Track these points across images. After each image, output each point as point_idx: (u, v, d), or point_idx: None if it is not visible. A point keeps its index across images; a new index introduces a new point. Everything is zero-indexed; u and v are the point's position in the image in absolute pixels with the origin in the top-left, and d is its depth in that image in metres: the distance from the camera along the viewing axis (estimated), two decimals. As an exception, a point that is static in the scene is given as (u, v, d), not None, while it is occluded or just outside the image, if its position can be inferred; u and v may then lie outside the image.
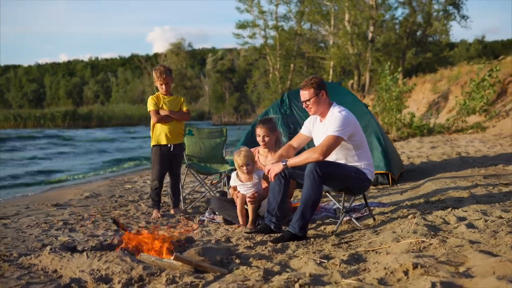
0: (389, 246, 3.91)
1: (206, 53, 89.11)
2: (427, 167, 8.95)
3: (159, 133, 6.15)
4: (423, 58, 41.01)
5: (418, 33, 41.85)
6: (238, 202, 5.37)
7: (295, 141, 5.15)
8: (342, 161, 4.80)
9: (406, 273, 3.04)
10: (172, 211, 6.29)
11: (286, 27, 52.21)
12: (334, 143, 4.61)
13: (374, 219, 5.06)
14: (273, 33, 52.54)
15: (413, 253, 3.49)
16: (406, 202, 5.73)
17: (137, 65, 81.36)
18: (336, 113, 4.73)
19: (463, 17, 39.79)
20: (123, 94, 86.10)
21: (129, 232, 4.20)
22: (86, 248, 4.26)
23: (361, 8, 40.15)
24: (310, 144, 5.38)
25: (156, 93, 6.30)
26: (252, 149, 5.78)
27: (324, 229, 5.04)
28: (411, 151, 12.45)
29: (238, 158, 5.31)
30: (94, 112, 50.25)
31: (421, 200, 5.66)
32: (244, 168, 5.31)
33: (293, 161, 4.70)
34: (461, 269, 3.00)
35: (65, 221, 5.75)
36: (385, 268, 3.14)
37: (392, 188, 7.30)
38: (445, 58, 44.03)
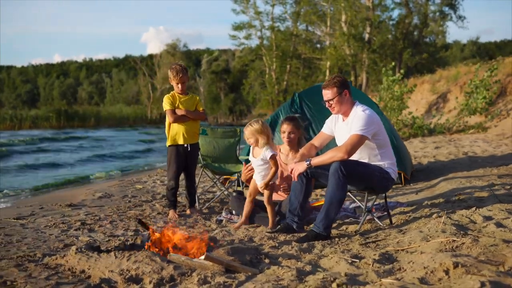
0: (419, 246, 3.88)
1: (201, 54, 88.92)
2: (436, 167, 8.95)
3: (176, 133, 6.10)
4: (419, 59, 41.08)
5: (415, 33, 41.95)
6: (247, 195, 5.40)
7: (317, 140, 5.12)
8: (365, 160, 4.78)
9: (447, 272, 3.01)
10: (188, 211, 6.24)
11: (282, 28, 52.28)
12: (358, 142, 4.58)
13: (391, 222, 5.04)
14: (269, 33, 52.58)
15: (448, 252, 3.46)
16: (426, 201, 5.71)
17: (131, 66, 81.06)
18: (359, 112, 4.71)
19: (460, 17, 39.98)
20: (117, 95, 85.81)
21: (155, 232, 4.15)
22: (110, 248, 4.22)
23: (357, 9, 40.24)
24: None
25: (172, 92, 6.24)
26: (275, 146, 5.79)
27: (346, 228, 5.02)
28: (416, 151, 12.45)
29: (245, 130, 5.24)
30: (92, 113, 50.02)
31: (441, 200, 5.64)
32: (249, 140, 5.26)
33: (317, 160, 4.67)
34: (504, 268, 2.97)
35: (82, 221, 5.70)
36: (424, 268, 3.12)
37: (406, 188, 7.29)
38: (441, 59, 44.16)
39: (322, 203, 5.77)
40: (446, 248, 3.64)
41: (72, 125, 45.25)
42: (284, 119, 5.68)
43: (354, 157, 4.72)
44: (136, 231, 5.24)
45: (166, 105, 6.08)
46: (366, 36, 39.79)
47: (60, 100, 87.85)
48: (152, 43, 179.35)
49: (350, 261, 3.63)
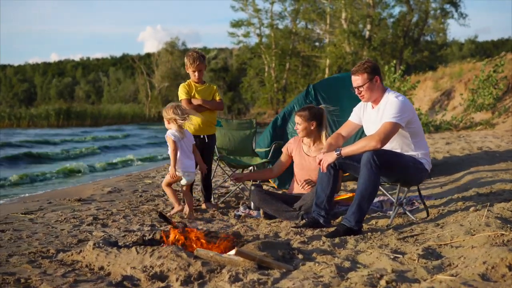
0: (463, 240, 3.61)
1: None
2: (454, 162, 8.67)
3: (192, 124, 5.80)
4: (420, 57, 40.81)
5: (415, 30, 41.68)
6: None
7: (344, 130, 4.83)
8: (398, 150, 4.50)
9: (510, 268, 2.73)
10: (203, 206, 5.93)
11: (281, 25, 51.98)
12: (392, 130, 4.29)
13: (428, 214, 4.76)
14: (268, 31, 52.25)
15: (503, 246, 3.18)
16: (456, 195, 5.44)
17: (128, 64, 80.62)
18: (392, 98, 4.42)
19: (461, 14, 39.72)
20: (114, 94, 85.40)
21: (177, 226, 3.86)
22: (129, 244, 3.93)
23: (358, 6, 39.96)
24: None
25: (188, 80, 5.93)
26: (297, 137, 5.51)
27: (376, 223, 4.73)
28: (427, 146, 12.17)
29: None
30: (91, 111, 49.67)
31: (472, 193, 5.37)
32: None
33: (348, 150, 4.37)
34: None
35: (94, 216, 5.38)
36: (483, 263, 2.83)
37: (427, 182, 7.00)
38: (441, 57, 43.91)
39: (345, 196, 5.52)
40: (496, 243, 3.37)
41: (71, 123, 44.90)
42: (298, 109, 5.46)
43: (385, 147, 4.44)
44: (152, 226, 4.94)
45: (181, 94, 5.78)
46: (367, 33, 39.50)
47: (57, 99, 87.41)
48: (149, 42, 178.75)
49: (392, 257, 3.36)
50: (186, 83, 5.86)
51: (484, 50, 59.77)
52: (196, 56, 5.71)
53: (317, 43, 51.12)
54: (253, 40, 54.17)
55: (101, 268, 3.42)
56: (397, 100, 4.37)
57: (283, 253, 3.55)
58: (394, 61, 21.04)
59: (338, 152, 4.38)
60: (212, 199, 6.12)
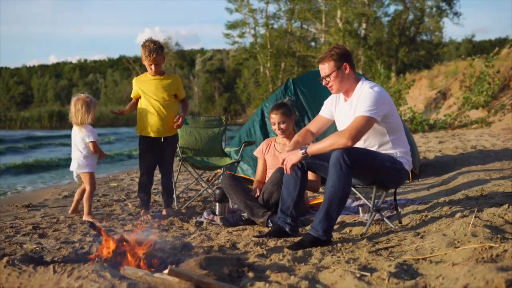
0: (445, 254, 3.03)
1: (195, 53, 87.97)
2: (446, 161, 8.10)
3: (147, 123, 5.21)
4: (416, 55, 40.34)
5: (411, 29, 41.26)
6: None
7: (313, 125, 4.26)
8: (374, 149, 3.92)
9: (496, 293, 2.16)
10: (163, 212, 5.35)
11: (276, 26, 51.52)
12: (365, 125, 3.71)
13: (401, 222, 4.20)
14: (263, 31, 51.79)
15: (489, 263, 2.61)
16: (442, 198, 4.86)
17: (125, 66, 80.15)
18: (366, 89, 3.84)
19: (456, 14, 39.33)
20: (111, 95, 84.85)
21: (110, 238, 3.28)
22: (56, 259, 3.35)
23: (353, 5, 39.48)
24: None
25: (144, 73, 5.34)
26: (268, 139, 4.97)
27: (350, 231, 4.16)
28: (419, 145, 11.62)
29: None
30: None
31: (460, 196, 4.80)
32: None
33: (314, 148, 3.79)
34: None
35: (35, 224, 4.79)
36: (464, 287, 2.26)
37: (415, 184, 6.44)
38: (438, 56, 43.41)
39: (321, 200, 4.95)
40: (483, 258, 2.79)
41: (64, 125, 44.50)
42: (272, 108, 4.91)
43: (359, 144, 3.87)
44: (96, 236, 4.36)
45: (132, 93, 5.28)
46: (362, 32, 39.01)
47: (54, 101, 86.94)
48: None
49: (358, 275, 2.77)
50: (140, 77, 5.29)
51: (481, 50, 59.26)
52: (153, 47, 5.11)
53: (312, 43, 50.66)
54: (248, 40, 53.72)
55: (11, 290, 2.85)
56: (372, 91, 3.80)
57: (230, 271, 2.98)
58: (379, 61, 20.54)
59: (304, 151, 3.81)
60: (174, 204, 5.53)
